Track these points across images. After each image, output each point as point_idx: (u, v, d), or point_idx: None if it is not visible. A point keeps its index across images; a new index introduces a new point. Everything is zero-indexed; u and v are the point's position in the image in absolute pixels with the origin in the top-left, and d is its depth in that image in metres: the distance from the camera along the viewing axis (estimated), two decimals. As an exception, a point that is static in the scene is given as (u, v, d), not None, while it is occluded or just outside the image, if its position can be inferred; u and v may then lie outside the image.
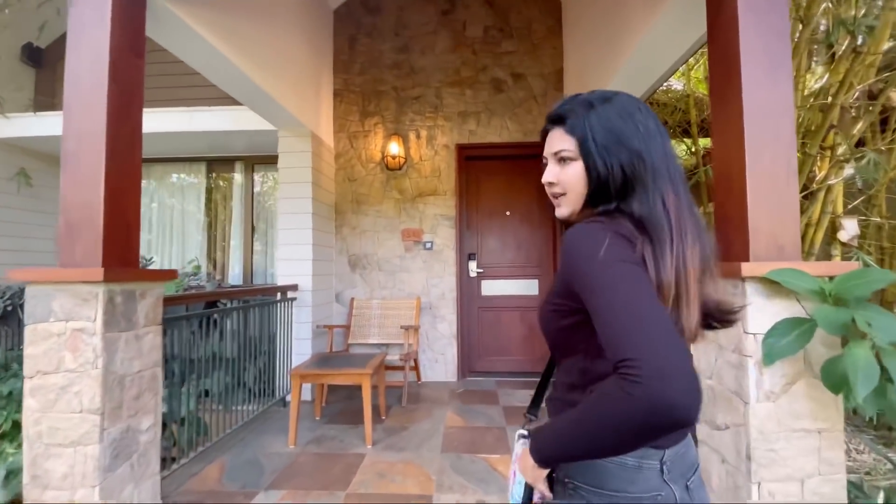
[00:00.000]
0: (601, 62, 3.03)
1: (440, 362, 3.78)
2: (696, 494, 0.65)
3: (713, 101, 1.58)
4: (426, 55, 3.95)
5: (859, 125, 2.90)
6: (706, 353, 1.57)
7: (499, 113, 3.89)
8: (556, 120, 0.72)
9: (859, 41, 2.28)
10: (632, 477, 0.62)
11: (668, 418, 0.47)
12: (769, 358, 1.35)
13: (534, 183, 4.05)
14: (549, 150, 0.73)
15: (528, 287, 3.97)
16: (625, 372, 0.49)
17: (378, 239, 3.87)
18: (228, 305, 2.98)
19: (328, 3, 3.92)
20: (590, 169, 0.67)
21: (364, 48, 3.98)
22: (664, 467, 0.63)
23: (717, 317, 0.69)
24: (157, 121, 3.51)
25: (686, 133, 4.49)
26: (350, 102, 3.96)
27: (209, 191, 4.42)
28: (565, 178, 0.70)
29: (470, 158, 4.02)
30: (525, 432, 0.77)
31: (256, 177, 4.33)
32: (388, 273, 3.85)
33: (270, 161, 4.14)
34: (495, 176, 4.08)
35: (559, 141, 0.71)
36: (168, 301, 2.04)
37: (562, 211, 0.73)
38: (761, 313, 1.36)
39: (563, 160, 0.70)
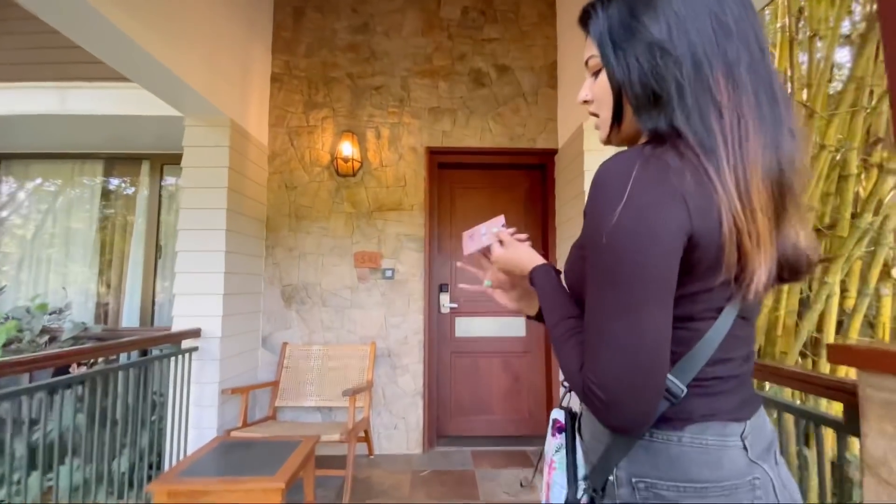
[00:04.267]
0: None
1: (400, 428, 2.88)
2: (782, 472, 0.53)
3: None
4: (391, 37, 3.17)
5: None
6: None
7: (479, 111, 3.14)
8: (582, 21, 0.60)
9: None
10: (718, 460, 0.50)
11: (611, 426, 0.49)
12: None
13: (521, 197, 3.29)
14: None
15: (512, 327, 3.17)
16: (591, 389, 0.48)
17: (323, 265, 2.98)
18: (95, 366, 2.00)
19: (267, -35, 3.10)
20: (611, 76, 0.56)
21: (312, 25, 3.17)
22: (745, 443, 0.51)
23: (792, 267, 0.53)
24: (11, 99, 2.53)
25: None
26: (292, 90, 3.11)
27: (105, 198, 3.41)
28: (595, 92, 0.60)
29: (443, 166, 3.23)
30: (561, 418, 0.65)
31: (167, 181, 3.36)
32: (334, 310, 2.95)
33: (186, 161, 3.21)
34: (474, 188, 3.30)
35: (587, 48, 0.59)
36: None
37: (600, 135, 0.62)
38: None
39: (594, 73, 0.59)
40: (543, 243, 3.17)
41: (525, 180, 3.31)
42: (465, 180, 3.30)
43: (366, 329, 2.94)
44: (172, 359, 2.25)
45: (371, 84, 3.13)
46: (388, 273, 2.98)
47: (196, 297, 2.42)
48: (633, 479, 0.52)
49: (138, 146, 3.30)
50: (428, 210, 3.07)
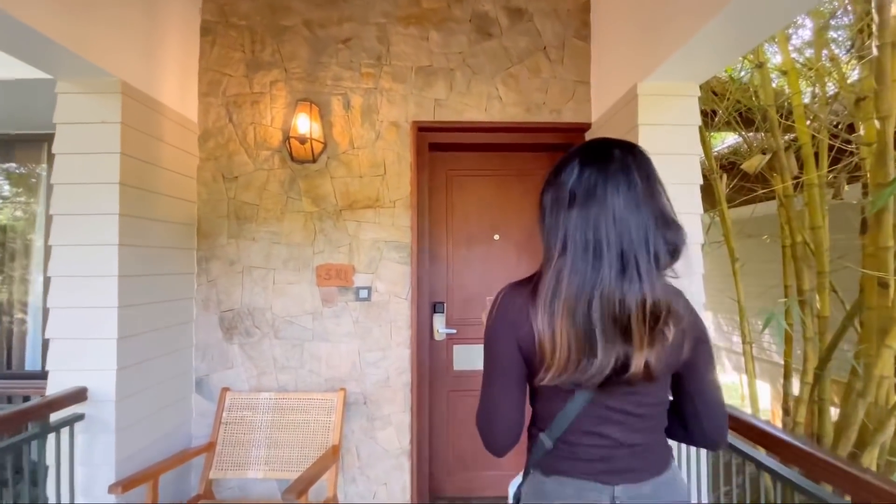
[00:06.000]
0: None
1: (381, 497, 2.19)
2: None
3: None
4: (364, -30, 2.32)
5: None
6: None
7: (485, 72, 2.32)
8: None
9: None
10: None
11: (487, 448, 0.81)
12: None
13: (540, 187, 2.51)
14: None
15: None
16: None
17: (274, 282, 2.23)
18: None
19: None
20: None
21: (256, -48, 2.31)
22: (616, 501, 0.73)
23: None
24: None
25: (749, 122, 3.09)
26: (229, 45, 2.29)
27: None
28: None
29: (437, 147, 2.44)
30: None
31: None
32: (290, 343, 2.22)
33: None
34: (478, 176, 2.51)
35: None
36: None
37: None
38: None
39: None
40: (570, 250, 2.41)
41: (546, 166, 2.51)
42: (466, 166, 2.51)
43: (333, 369, 2.21)
44: (47, 436, 1.53)
45: (337, 35, 2.29)
46: (363, 293, 2.23)
47: (78, 342, 1.68)
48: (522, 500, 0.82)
49: (38, 123, 2.50)
50: (416, 207, 2.29)
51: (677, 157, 1.80)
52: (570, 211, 0.71)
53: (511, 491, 0.87)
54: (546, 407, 0.77)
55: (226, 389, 2.14)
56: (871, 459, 2.23)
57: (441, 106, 2.30)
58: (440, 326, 2.42)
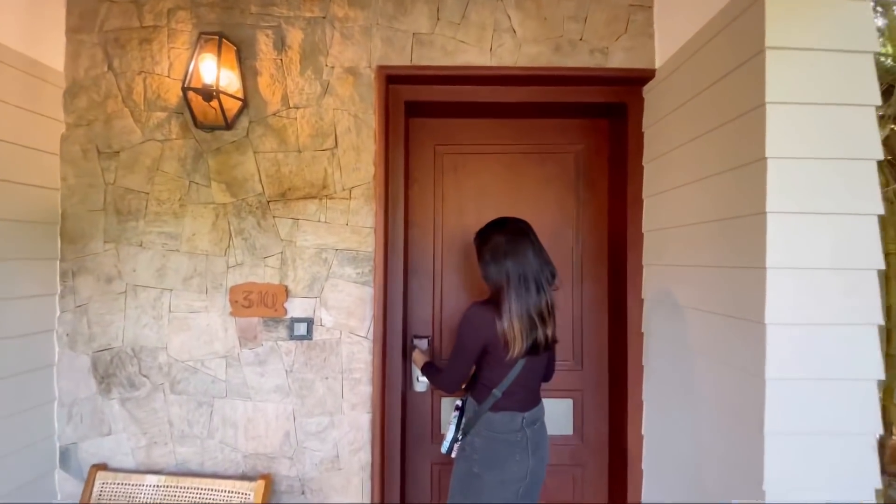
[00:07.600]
0: None
1: None
2: (538, 434, 1.29)
3: None
4: None
5: None
6: None
7: (490, -6, 1.51)
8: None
9: None
10: (508, 423, 1.25)
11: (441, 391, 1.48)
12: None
13: (569, 174, 1.71)
14: None
15: (552, 416, 1.64)
16: (446, 385, 1.34)
17: (170, 309, 1.51)
18: None
19: None
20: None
21: None
22: (524, 420, 1.25)
23: (542, 345, 1.24)
24: None
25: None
26: (111, -45, 1.54)
27: None
28: None
29: (418, 110, 1.65)
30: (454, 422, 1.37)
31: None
32: (194, 400, 1.50)
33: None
34: (480, 154, 1.73)
35: None
36: None
37: None
38: None
39: None
40: (613, 287, 1.60)
41: (582, 140, 1.70)
42: (463, 139, 1.72)
43: (256, 440, 1.48)
44: None
45: (267, -63, 1.52)
46: (301, 328, 1.48)
47: None
48: (481, 431, 1.26)
49: None
50: (384, 198, 1.52)
51: (836, 109, 0.98)
52: (506, 260, 1.22)
53: (445, 446, 1.32)
54: (497, 374, 1.24)
55: (97, 468, 1.44)
56: None
57: (423, 44, 1.51)
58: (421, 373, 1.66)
